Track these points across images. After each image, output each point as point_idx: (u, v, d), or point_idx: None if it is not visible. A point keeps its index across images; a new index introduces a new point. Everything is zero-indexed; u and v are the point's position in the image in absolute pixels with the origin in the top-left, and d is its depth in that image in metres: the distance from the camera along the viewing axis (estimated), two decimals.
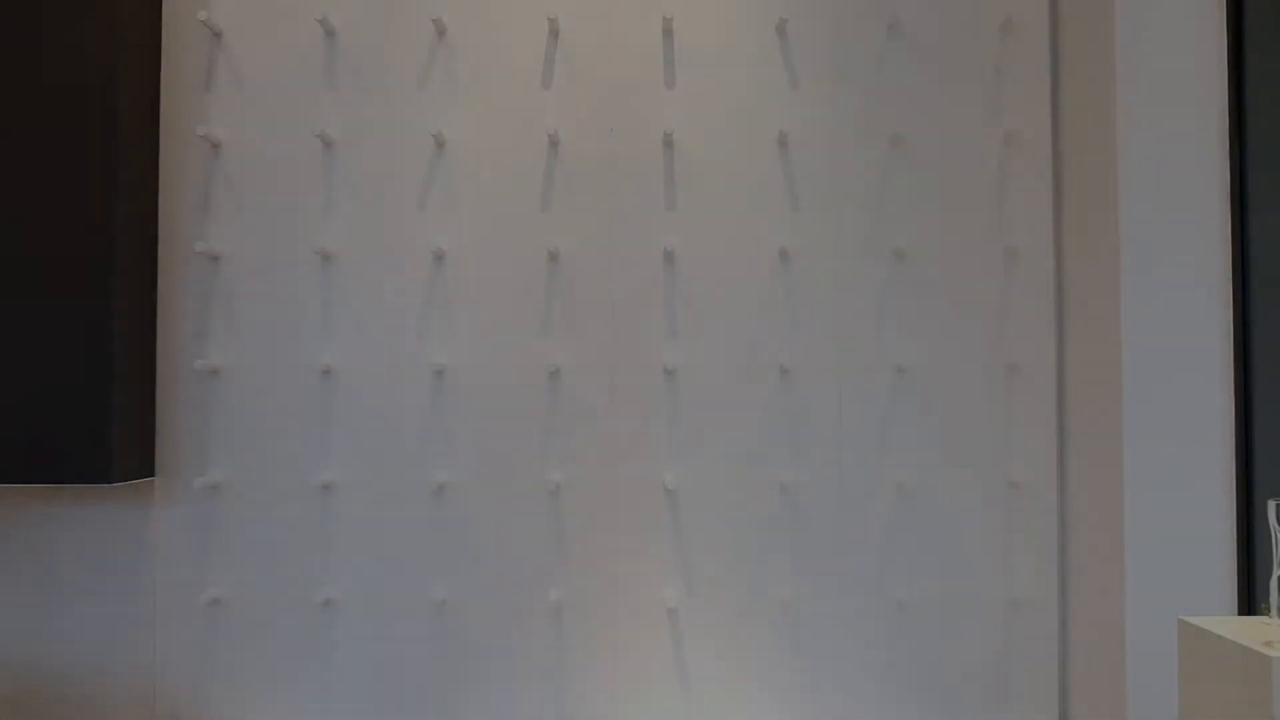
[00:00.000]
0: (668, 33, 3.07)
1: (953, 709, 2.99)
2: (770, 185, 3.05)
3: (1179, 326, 2.69)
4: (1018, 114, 3.05)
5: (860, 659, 3.00)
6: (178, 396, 3.05)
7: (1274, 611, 2.00)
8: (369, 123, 3.06)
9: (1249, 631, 2.04)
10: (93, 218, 2.82)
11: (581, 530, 3.01)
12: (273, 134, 3.06)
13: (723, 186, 3.05)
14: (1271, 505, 2.02)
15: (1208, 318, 2.69)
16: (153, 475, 3.01)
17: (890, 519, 3.01)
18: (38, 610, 3.01)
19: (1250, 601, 2.61)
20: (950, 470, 3.01)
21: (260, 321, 3.05)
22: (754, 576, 3.00)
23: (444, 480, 2.98)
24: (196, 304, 3.06)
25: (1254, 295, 2.67)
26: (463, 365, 3.02)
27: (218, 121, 3.07)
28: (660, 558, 3.01)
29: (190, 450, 3.04)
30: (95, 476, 2.80)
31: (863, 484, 3.02)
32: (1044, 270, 3.04)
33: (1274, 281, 2.63)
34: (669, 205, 3.05)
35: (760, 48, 3.07)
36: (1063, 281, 3.04)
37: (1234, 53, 2.70)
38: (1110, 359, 2.73)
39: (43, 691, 3.01)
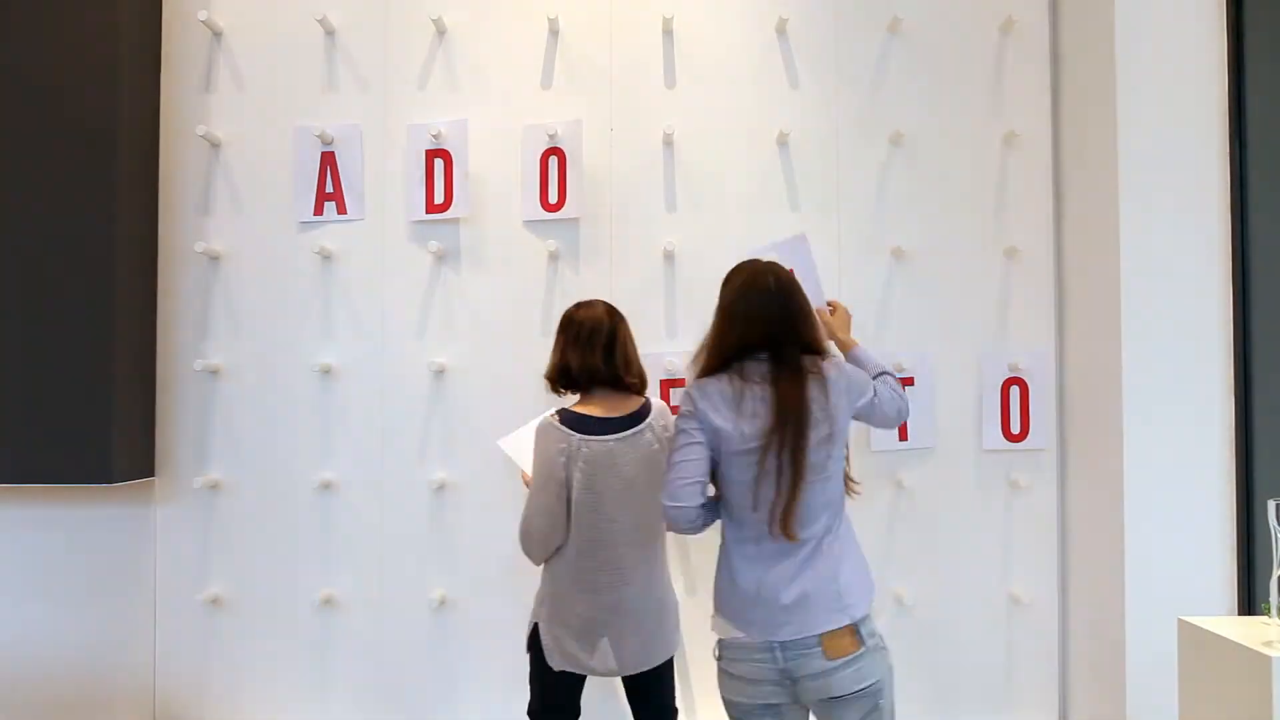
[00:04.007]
0: (668, 33, 3.06)
1: (953, 708, 2.98)
2: (770, 185, 3.05)
3: (1179, 327, 2.68)
4: (1018, 114, 3.05)
5: None
6: (178, 396, 3.05)
7: (1274, 611, 2.00)
8: (369, 123, 3.06)
9: (1249, 631, 2.04)
10: (93, 218, 2.82)
11: None
12: (273, 134, 3.06)
13: (723, 186, 3.05)
14: (1271, 505, 2.02)
15: (1208, 318, 2.68)
16: (153, 475, 3.01)
17: (890, 518, 3.01)
18: (38, 610, 3.01)
19: (1250, 601, 2.61)
20: (950, 473, 3.01)
21: (260, 321, 3.05)
22: None
23: (443, 479, 2.98)
24: (196, 304, 3.06)
25: (1254, 295, 2.67)
26: (463, 365, 3.02)
27: (218, 121, 3.07)
28: None
29: (190, 450, 3.04)
30: (95, 476, 2.80)
31: (862, 483, 3.01)
32: (1044, 271, 3.04)
33: (1274, 281, 2.63)
34: (669, 205, 3.05)
35: (760, 48, 3.07)
36: (1062, 283, 3.04)
37: (1234, 53, 2.70)
38: (1110, 358, 2.73)
39: (43, 691, 3.01)
